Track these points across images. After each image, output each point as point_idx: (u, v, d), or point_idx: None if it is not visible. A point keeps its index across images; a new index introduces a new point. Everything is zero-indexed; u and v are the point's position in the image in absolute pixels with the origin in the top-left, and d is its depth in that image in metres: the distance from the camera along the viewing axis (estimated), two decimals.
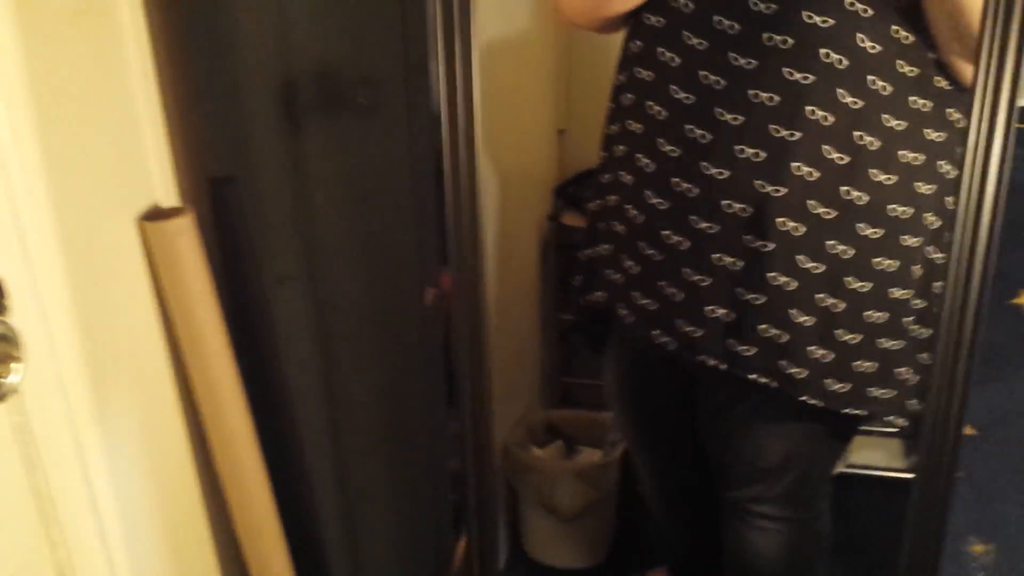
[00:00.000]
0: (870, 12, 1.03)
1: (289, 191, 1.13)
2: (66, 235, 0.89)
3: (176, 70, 1.05)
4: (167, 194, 1.06)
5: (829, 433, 1.28)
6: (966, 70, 1.06)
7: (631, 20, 1.22)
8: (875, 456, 2.27)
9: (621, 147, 1.23)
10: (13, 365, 0.72)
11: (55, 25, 0.87)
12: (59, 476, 0.90)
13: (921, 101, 1.08)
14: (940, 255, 1.15)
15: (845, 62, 1.04)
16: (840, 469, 2.13)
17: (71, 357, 0.91)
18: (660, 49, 1.14)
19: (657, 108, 1.16)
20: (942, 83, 1.09)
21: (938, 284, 1.16)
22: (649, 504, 1.69)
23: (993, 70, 0.85)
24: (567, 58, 2.26)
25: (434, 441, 1.20)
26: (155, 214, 1.03)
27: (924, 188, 1.11)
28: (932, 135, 1.10)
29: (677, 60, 1.13)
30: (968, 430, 1.38)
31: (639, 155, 1.19)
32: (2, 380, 0.70)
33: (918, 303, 1.16)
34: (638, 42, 1.20)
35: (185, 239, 1.02)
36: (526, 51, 1.95)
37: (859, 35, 1.04)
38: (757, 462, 1.32)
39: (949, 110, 1.09)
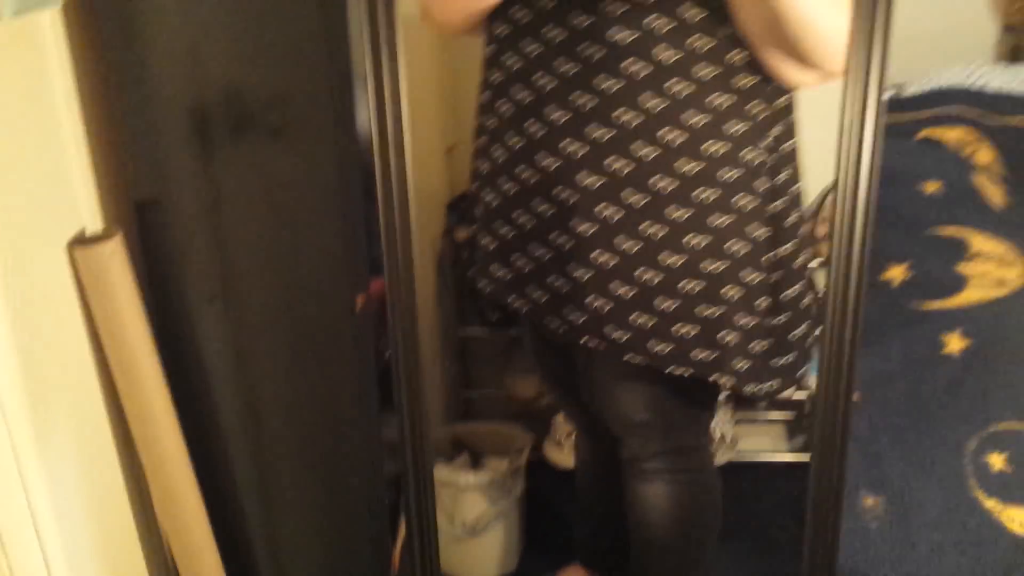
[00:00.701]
0: (669, 27, 1.17)
1: (210, 212, 1.14)
2: None
3: (98, 98, 1.06)
4: (94, 219, 1.07)
5: (682, 389, 1.41)
6: (783, 68, 1.20)
7: (486, 26, 1.33)
8: (761, 442, 2.42)
9: (482, 139, 1.36)
10: None
11: None
12: (1, 500, 0.90)
13: (721, 99, 1.21)
14: (763, 230, 1.29)
15: (646, 70, 1.18)
16: (728, 458, 2.27)
17: (9, 381, 0.91)
18: (507, 53, 1.27)
19: (505, 107, 1.29)
20: (742, 81, 1.22)
21: (765, 258, 1.30)
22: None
23: (861, 61, 0.96)
24: (453, 75, 2.32)
25: (369, 445, 1.24)
26: (83, 239, 1.03)
27: (729, 173, 1.24)
28: (734, 127, 1.23)
29: (519, 63, 1.26)
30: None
31: (493, 147, 1.32)
32: None
33: (745, 273, 1.29)
34: (492, 47, 1.32)
35: (115, 262, 1.03)
36: (412, 69, 2.00)
37: (658, 46, 1.18)
38: (628, 417, 1.46)
39: (749, 105, 1.23)
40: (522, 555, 2.13)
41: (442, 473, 2.01)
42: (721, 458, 2.26)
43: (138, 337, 1.06)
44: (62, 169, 1.02)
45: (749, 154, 1.24)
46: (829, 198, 2.06)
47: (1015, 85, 2.41)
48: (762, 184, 1.26)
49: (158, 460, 1.11)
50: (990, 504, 1.33)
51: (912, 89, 2.47)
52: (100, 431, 1.08)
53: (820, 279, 2.09)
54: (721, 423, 2.31)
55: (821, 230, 2.12)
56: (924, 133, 2.29)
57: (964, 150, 2.23)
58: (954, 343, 1.53)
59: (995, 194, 1.97)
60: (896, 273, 1.73)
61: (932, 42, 3.01)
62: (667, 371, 1.30)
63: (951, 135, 2.27)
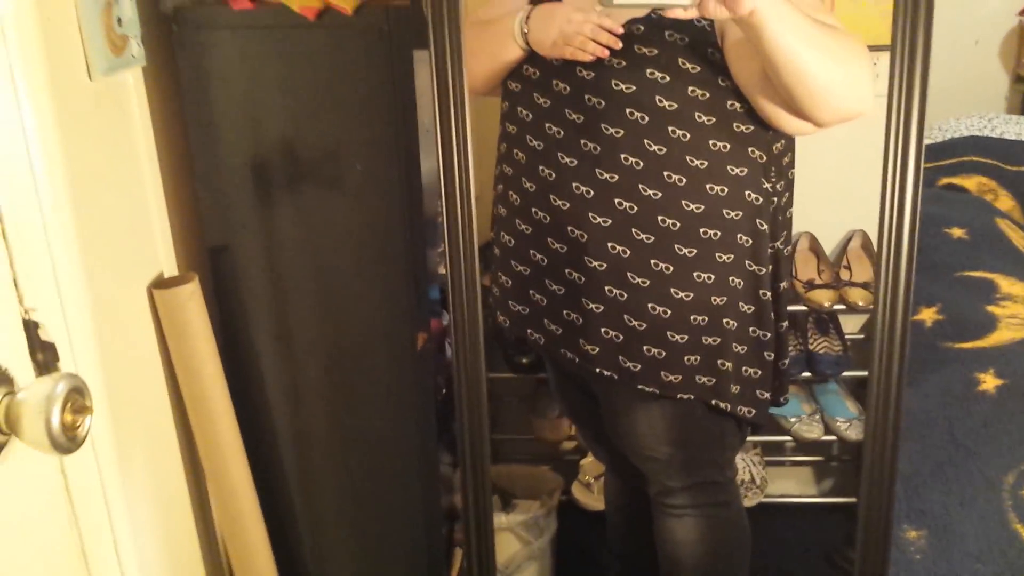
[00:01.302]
0: (667, 79, 1.24)
1: (274, 256, 1.20)
2: (93, 304, 0.94)
3: (177, 151, 1.12)
4: (170, 264, 1.12)
5: (698, 423, 1.43)
6: (778, 116, 1.25)
7: (503, 84, 1.41)
8: (789, 485, 2.43)
9: (500, 187, 1.40)
10: (87, 417, 0.76)
11: (82, 111, 0.94)
12: (91, 530, 0.93)
13: (720, 144, 1.28)
14: (758, 267, 1.34)
15: (647, 118, 1.25)
16: (758, 501, 2.28)
17: (100, 417, 0.95)
18: (520, 107, 1.34)
19: (520, 155, 1.35)
20: (740, 127, 1.29)
21: (762, 291, 1.36)
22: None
23: (902, 112, 1.02)
24: (474, 130, 2.38)
25: (429, 478, 1.27)
26: (162, 282, 1.09)
27: (731, 214, 1.30)
28: (734, 170, 1.29)
29: (530, 116, 1.33)
30: None
31: (510, 192, 1.37)
32: (78, 429, 0.74)
33: (742, 304, 1.35)
34: (506, 102, 1.39)
35: (193, 303, 1.09)
36: None
37: (657, 97, 1.25)
38: (649, 450, 1.48)
39: (750, 149, 1.29)
40: None
41: None
42: (751, 501, 2.28)
43: (212, 374, 1.11)
44: (143, 217, 1.08)
45: (750, 195, 1.30)
46: (853, 242, 2.11)
47: None
48: (763, 222, 1.33)
49: (227, 494, 1.15)
50: None
51: (929, 139, 2.53)
52: (173, 461, 1.13)
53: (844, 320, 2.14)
54: (751, 466, 2.33)
55: (845, 274, 2.16)
56: (945, 180, 2.34)
57: (984, 196, 2.28)
58: (989, 381, 1.57)
59: (1019, 239, 2.02)
60: (927, 315, 1.78)
61: (946, 94, 3.09)
62: (677, 397, 1.36)
63: (970, 183, 2.33)
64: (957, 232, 1.94)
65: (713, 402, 1.37)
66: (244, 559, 1.19)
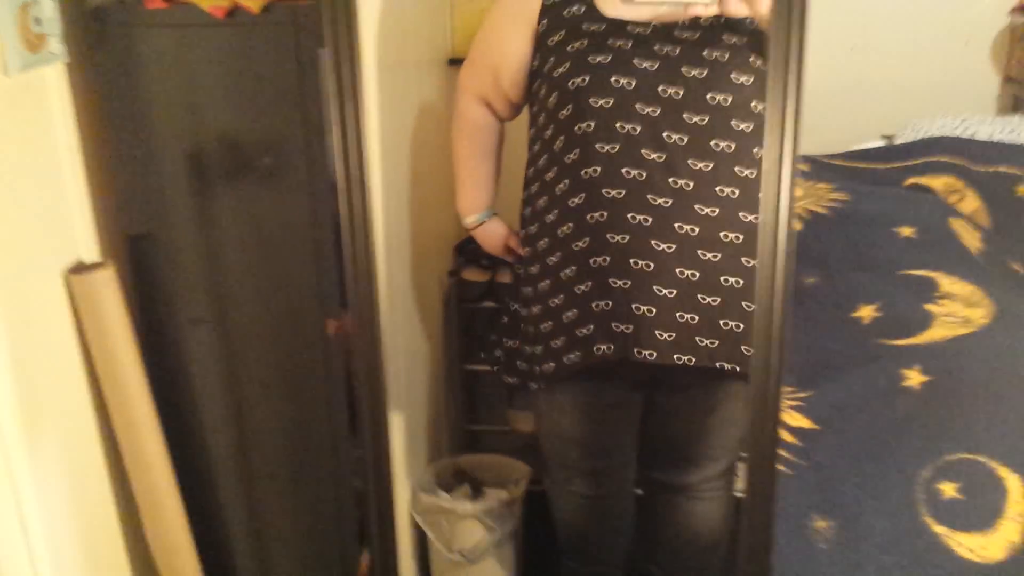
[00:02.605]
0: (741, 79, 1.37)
1: (200, 245, 1.27)
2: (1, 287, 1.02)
3: (99, 142, 1.20)
4: (90, 250, 1.20)
5: (740, 412, 1.58)
6: None
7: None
8: None
9: (598, 214, 1.41)
10: None
11: None
12: None
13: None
14: None
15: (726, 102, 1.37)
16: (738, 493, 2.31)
17: (4, 398, 1.02)
18: (600, 129, 1.38)
19: (595, 166, 1.39)
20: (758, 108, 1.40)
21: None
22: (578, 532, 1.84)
23: (778, 117, 1.05)
24: None
25: (339, 464, 1.33)
26: (80, 268, 1.16)
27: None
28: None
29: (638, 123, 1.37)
30: (811, 424, 1.58)
31: (632, 214, 1.39)
32: None
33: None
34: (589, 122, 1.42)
35: (108, 290, 1.16)
36: (427, 124, 2.13)
37: (751, 102, 1.39)
38: (713, 447, 1.61)
39: None
40: None
41: (442, 501, 2.09)
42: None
43: (126, 356, 1.18)
44: (60, 206, 1.15)
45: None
46: None
47: (1002, 135, 2.47)
48: None
49: (144, 470, 1.22)
50: (940, 530, 1.38)
51: (902, 138, 2.54)
52: (90, 444, 1.20)
53: None
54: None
55: None
56: (912, 180, 2.35)
57: (949, 197, 2.28)
58: (914, 377, 1.58)
59: (971, 239, 2.02)
60: (866, 312, 1.79)
61: (936, 94, 3.09)
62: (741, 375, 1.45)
63: (937, 183, 2.33)
64: (906, 231, 1.95)
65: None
66: (163, 537, 1.26)
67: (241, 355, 1.30)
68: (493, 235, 1.73)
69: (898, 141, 2.54)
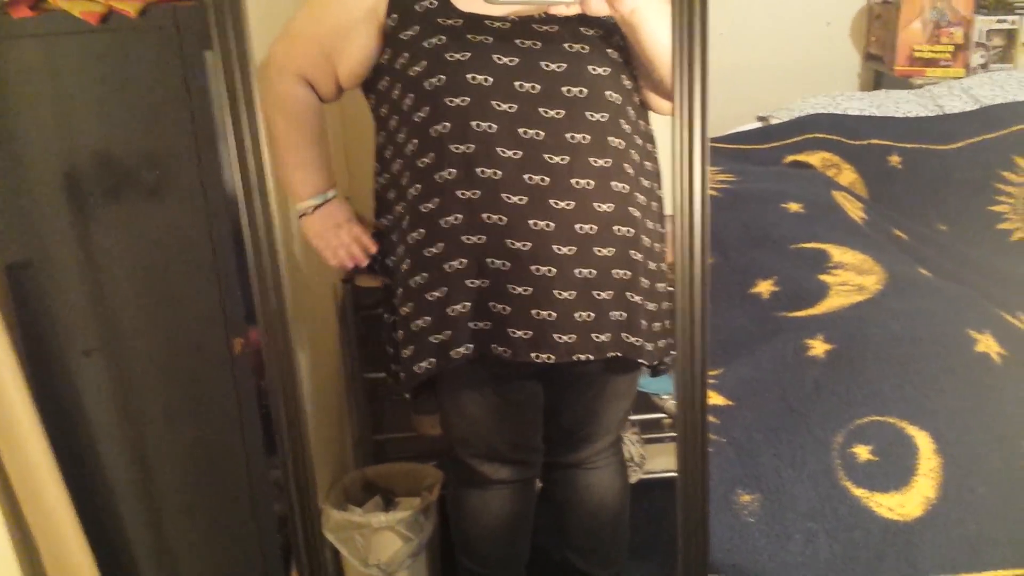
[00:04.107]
0: (597, 69, 1.36)
1: (85, 270, 1.18)
2: None
3: None
4: None
5: (634, 379, 1.64)
6: (648, 97, 1.46)
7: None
8: (668, 461, 2.49)
9: (452, 217, 1.38)
10: None
11: None
12: None
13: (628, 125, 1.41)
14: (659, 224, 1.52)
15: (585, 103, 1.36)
16: (638, 478, 2.33)
17: None
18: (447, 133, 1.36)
19: (450, 171, 1.36)
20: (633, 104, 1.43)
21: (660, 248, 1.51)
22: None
23: (685, 101, 1.05)
24: (343, 127, 2.38)
25: (256, 487, 1.27)
26: None
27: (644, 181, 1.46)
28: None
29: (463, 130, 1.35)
30: (725, 401, 1.61)
31: (485, 214, 1.36)
32: None
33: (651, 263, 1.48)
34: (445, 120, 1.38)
35: None
36: None
37: (604, 89, 1.37)
38: (609, 422, 1.66)
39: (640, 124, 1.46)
40: None
41: (354, 516, 2.03)
42: (632, 478, 2.32)
43: (15, 392, 1.08)
44: None
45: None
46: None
47: (873, 110, 2.58)
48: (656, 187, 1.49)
49: (43, 515, 1.13)
50: (858, 492, 1.42)
51: (778, 119, 2.62)
52: None
53: None
54: (630, 444, 2.37)
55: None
56: (791, 158, 2.43)
57: (828, 172, 2.38)
58: (819, 347, 1.63)
59: (854, 210, 2.11)
60: (764, 287, 1.84)
61: (800, 75, 3.21)
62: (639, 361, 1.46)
63: (815, 159, 2.42)
64: (794, 207, 2.02)
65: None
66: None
67: (140, 384, 1.21)
68: (316, 223, 1.56)
69: (774, 122, 2.63)
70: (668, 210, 1.50)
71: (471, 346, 1.41)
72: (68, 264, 1.18)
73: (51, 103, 1.15)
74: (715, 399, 1.62)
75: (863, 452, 1.46)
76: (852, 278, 1.79)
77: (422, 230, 1.40)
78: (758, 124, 2.66)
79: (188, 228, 1.20)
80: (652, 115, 1.52)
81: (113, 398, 1.21)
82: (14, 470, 1.11)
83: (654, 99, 1.47)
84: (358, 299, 2.30)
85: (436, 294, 1.40)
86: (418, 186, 1.39)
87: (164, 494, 1.26)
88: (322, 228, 1.56)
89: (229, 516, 1.29)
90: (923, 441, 1.46)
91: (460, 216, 1.36)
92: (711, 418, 1.56)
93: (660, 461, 2.49)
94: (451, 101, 1.33)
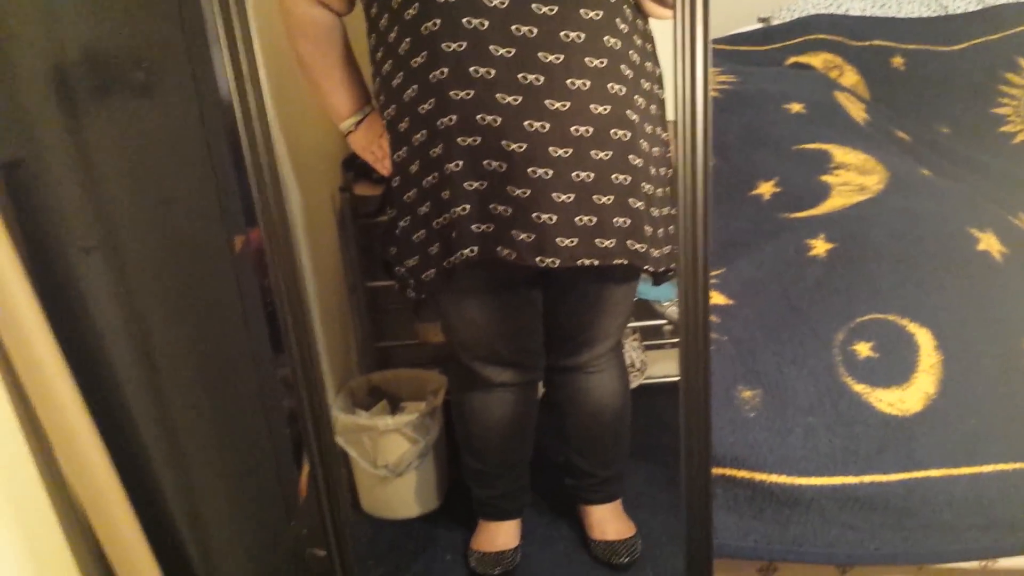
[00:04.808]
0: None
1: (79, 167, 1.16)
2: None
3: None
4: None
5: (633, 285, 1.66)
6: (648, 6, 1.43)
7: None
8: (669, 367, 2.52)
9: (447, 118, 1.37)
10: None
11: None
12: None
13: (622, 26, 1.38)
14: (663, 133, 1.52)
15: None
16: (639, 383, 2.37)
17: None
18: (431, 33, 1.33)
19: (441, 69, 1.34)
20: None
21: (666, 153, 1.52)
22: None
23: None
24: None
25: (264, 384, 1.28)
26: None
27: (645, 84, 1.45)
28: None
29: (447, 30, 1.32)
30: (725, 300, 1.61)
31: (479, 115, 1.35)
32: None
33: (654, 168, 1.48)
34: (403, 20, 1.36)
35: None
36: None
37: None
38: (608, 325, 1.68)
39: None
40: (446, 493, 2.19)
41: (361, 419, 2.06)
42: (633, 383, 2.35)
43: (18, 290, 1.08)
44: None
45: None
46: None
47: (876, 10, 2.53)
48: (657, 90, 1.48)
49: (55, 410, 1.14)
50: (859, 388, 1.43)
51: (779, 19, 2.57)
52: None
53: None
54: (631, 351, 2.40)
55: None
56: (792, 59, 2.39)
57: (830, 73, 2.34)
58: (820, 246, 1.63)
59: (857, 111, 2.08)
60: (766, 188, 1.83)
61: None
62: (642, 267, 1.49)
63: (816, 60, 2.38)
64: (796, 107, 1.99)
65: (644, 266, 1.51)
66: (83, 474, 1.19)
67: (142, 282, 1.21)
68: (362, 139, 1.62)
69: (775, 23, 2.57)
70: (670, 115, 1.48)
71: (475, 248, 1.40)
72: (62, 162, 1.16)
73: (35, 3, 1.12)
74: (716, 298, 1.63)
75: (864, 349, 1.47)
76: (854, 178, 1.78)
77: (424, 131, 1.39)
78: (759, 25, 2.60)
79: (181, 125, 1.18)
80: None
81: (116, 296, 1.21)
82: (22, 366, 1.11)
83: (647, 3, 1.44)
84: (357, 208, 2.29)
85: (445, 194, 1.40)
86: (414, 87, 1.37)
87: (172, 391, 1.26)
88: (367, 142, 1.60)
89: (238, 413, 1.30)
90: (924, 338, 1.46)
91: (454, 117, 1.34)
92: (712, 317, 1.57)
93: (661, 367, 2.52)
94: (448, 45, 1.31)
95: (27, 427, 1.16)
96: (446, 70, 1.33)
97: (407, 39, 1.36)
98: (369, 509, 2.18)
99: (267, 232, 1.08)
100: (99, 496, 1.20)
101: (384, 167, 1.57)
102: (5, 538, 1.10)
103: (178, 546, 1.39)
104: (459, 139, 1.36)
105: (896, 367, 1.45)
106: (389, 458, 2.07)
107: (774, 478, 1.38)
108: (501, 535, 1.93)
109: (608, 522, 1.92)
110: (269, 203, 1.08)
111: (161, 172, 1.18)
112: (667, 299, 2.26)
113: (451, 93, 1.33)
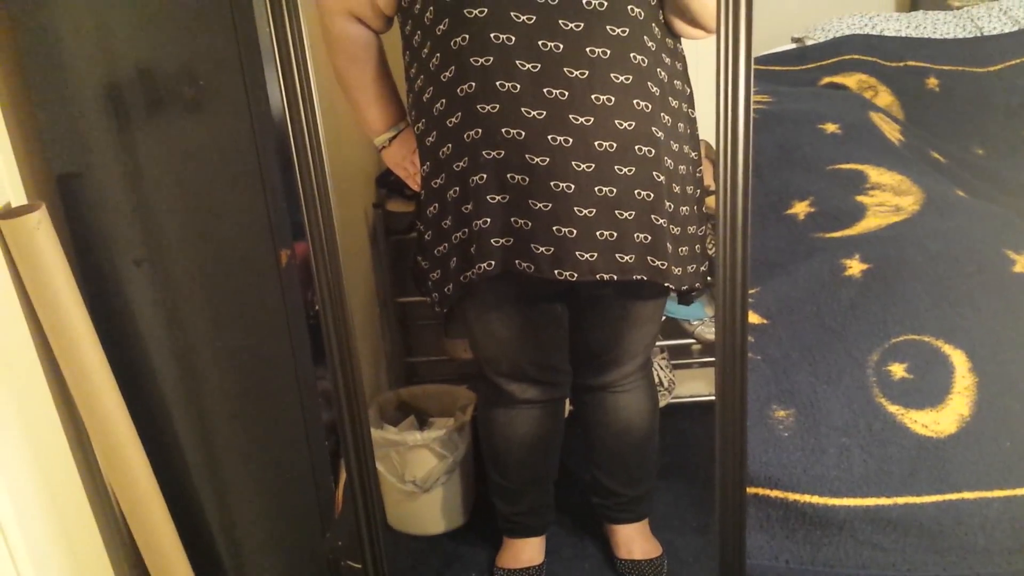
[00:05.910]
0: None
1: (131, 180, 1.19)
2: None
3: (13, 82, 1.10)
4: (18, 194, 1.11)
5: (660, 303, 1.64)
6: (677, 25, 1.43)
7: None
8: (697, 386, 2.52)
9: (473, 132, 1.39)
10: None
11: None
12: None
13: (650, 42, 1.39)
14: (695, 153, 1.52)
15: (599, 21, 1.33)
16: (667, 402, 2.36)
17: None
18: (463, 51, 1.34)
19: (468, 85, 1.35)
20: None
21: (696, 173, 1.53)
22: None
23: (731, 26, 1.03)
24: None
25: (304, 396, 1.29)
26: (8, 212, 1.08)
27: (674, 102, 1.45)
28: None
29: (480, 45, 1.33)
30: (760, 319, 1.61)
31: (504, 128, 1.36)
32: None
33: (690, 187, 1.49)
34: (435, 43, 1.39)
35: (42, 232, 1.08)
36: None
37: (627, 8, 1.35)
38: (635, 344, 1.66)
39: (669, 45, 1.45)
40: (472, 510, 2.20)
41: (390, 434, 2.07)
42: (662, 403, 2.35)
43: (69, 301, 1.10)
44: None
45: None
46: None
47: (910, 31, 2.53)
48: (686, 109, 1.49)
49: (100, 418, 1.16)
50: (893, 409, 1.43)
51: (813, 39, 2.58)
52: (39, 393, 1.13)
53: None
54: (659, 369, 2.40)
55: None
56: (826, 80, 2.40)
57: (864, 93, 2.34)
58: (855, 266, 1.63)
59: (891, 131, 2.08)
60: (800, 208, 1.83)
61: None
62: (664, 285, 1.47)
63: (851, 80, 2.38)
64: (831, 127, 2.00)
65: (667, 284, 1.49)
66: (125, 482, 1.21)
67: (189, 294, 1.23)
68: (395, 154, 1.65)
69: (809, 43, 2.59)
70: (704, 134, 1.49)
71: (493, 262, 1.42)
72: (115, 176, 1.19)
73: (92, 14, 1.15)
74: (751, 318, 1.63)
75: (898, 370, 1.48)
76: (889, 199, 1.78)
77: (450, 144, 1.41)
78: (793, 45, 2.62)
79: (233, 141, 1.20)
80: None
81: (164, 307, 1.23)
82: (70, 375, 1.14)
83: (678, 23, 1.44)
84: (389, 224, 2.31)
85: (468, 207, 1.42)
86: (443, 100, 1.39)
87: (214, 401, 1.29)
88: (400, 157, 1.63)
89: (278, 424, 1.32)
90: (958, 359, 1.46)
91: (480, 130, 1.36)
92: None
93: (689, 386, 2.52)
94: (469, 12, 1.32)
95: (71, 435, 1.19)
96: (474, 84, 1.35)
97: (437, 54, 1.38)
98: (395, 524, 2.19)
99: (315, 247, 1.10)
100: (139, 503, 1.23)
101: (416, 182, 1.59)
102: (48, 544, 1.12)
103: (213, 554, 1.41)
104: (484, 152, 1.37)
105: (930, 388, 1.45)
106: (417, 473, 2.07)
107: (807, 498, 1.38)
108: (526, 552, 1.93)
109: (635, 542, 1.91)
110: (318, 218, 1.10)
111: (211, 186, 1.21)
112: (696, 318, 2.26)
113: (478, 107, 1.35)
